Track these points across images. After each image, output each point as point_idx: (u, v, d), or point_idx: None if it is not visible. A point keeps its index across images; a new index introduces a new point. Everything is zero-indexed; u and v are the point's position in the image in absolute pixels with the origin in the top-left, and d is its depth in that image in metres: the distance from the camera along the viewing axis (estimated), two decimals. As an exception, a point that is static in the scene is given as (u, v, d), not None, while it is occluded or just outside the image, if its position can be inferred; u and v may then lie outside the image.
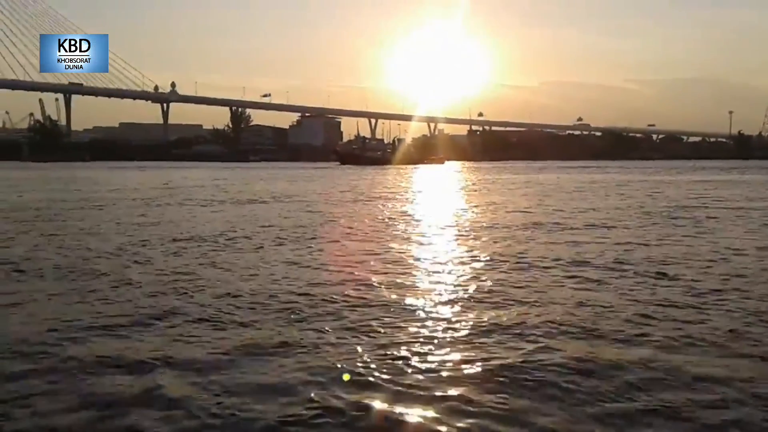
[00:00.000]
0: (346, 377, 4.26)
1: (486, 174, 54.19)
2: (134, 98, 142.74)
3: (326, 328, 5.43)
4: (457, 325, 5.56)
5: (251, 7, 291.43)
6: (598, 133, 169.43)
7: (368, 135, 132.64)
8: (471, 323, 5.60)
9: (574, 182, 36.22)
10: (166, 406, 3.85)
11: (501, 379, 4.24)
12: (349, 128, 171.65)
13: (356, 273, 8.00)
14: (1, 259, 9.04)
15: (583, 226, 13.37)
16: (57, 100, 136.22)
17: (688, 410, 3.77)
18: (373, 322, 5.64)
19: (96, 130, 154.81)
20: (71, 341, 5.08)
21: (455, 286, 7.29)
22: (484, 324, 5.55)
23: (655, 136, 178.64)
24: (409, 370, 4.41)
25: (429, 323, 5.65)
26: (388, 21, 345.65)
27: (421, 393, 4.02)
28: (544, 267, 8.40)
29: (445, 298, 6.68)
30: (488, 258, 9.19)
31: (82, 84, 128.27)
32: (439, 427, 3.59)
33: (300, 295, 6.74)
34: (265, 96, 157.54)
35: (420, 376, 4.30)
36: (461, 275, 7.93)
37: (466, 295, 6.74)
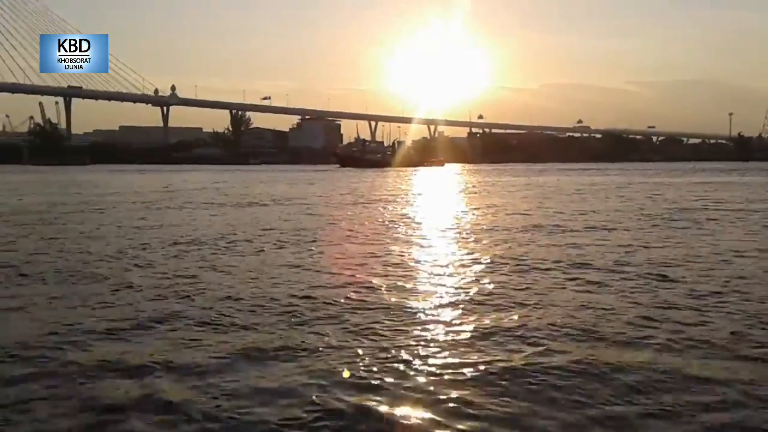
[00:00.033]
0: (347, 380, 4.26)
1: (486, 176, 54.22)
2: (134, 101, 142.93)
3: (327, 331, 5.42)
4: (457, 328, 5.55)
5: (251, 10, 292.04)
6: (598, 135, 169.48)
7: (368, 137, 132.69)
8: (472, 326, 5.59)
9: (574, 184, 36.22)
10: (167, 409, 3.84)
11: (502, 381, 4.23)
12: (349, 131, 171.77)
13: (357, 276, 7.99)
14: (1, 262, 9.03)
15: (584, 229, 13.36)
16: (57, 103, 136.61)
17: (690, 413, 3.77)
18: (374, 324, 5.63)
19: (96, 133, 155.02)
20: (72, 345, 5.08)
21: (456, 288, 7.28)
22: (484, 327, 5.55)
23: (655, 138, 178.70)
24: (410, 373, 4.41)
25: (430, 326, 5.64)
26: (388, 23, 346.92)
27: (422, 396, 4.01)
28: (545, 269, 8.39)
29: (445, 300, 6.67)
30: (489, 260, 9.18)
31: (81, 87, 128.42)
32: (440, 430, 3.58)
33: (301, 298, 6.73)
34: (265, 99, 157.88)
35: (421, 379, 4.30)
36: (462, 278, 7.93)
37: (466, 298, 6.73)
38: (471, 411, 3.79)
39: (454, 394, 4.03)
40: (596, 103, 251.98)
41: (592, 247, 10.44)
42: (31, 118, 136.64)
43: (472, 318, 5.87)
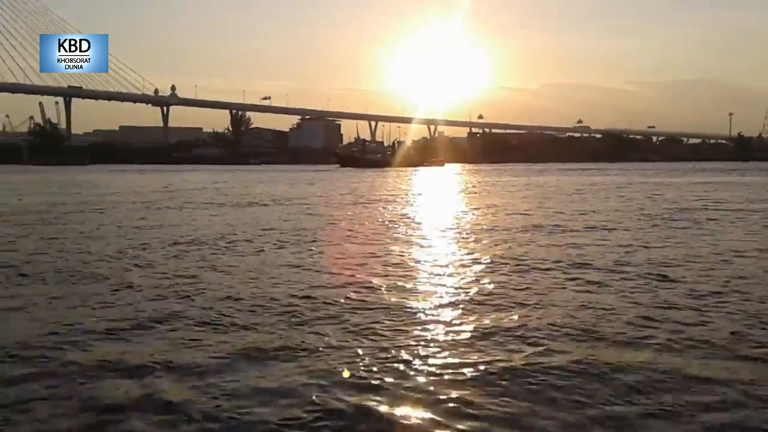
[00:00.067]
0: (347, 380, 4.26)
1: (486, 176, 54.22)
2: (134, 101, 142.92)
3: (327, 331, 5.42)
4: (457, 328, 5.56)
5: (251, 10, 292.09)
6: (598, 135, 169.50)
7: (368, 137, 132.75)
8: (472, 326, 5.59)
9: (574, 184, 36.23)
10: (167, 409, 3.84)
11: (502, 381, 4.23)
12: (349, 131, 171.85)
13: (357, 276, 7.99)
14: (1, 262, 9.04)
15: (584, 229, 13.36)
16: (57, 103, 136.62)
17: (690, 413, 3.77)
18: (374, 324, 5.63)
19: (96, 133, 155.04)
20: (72, 345, 5.08)
21: (456, 288, 7.28)
22: (484, 327, 5.55)
23: (655, 138, 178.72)
24: (410, 373, 4.41)
25: (430, 326, 5.64)
26: (388, 23, 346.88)
27: (422, 396, 4.01)
28: (545, 269, 8.39)
29: (445, 300, 6.67)
30: (489, 260, 9.18)
31: (81, 87, 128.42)
32: (440, 430, 3.58)
33: (301, 298, 6.73)
34: (265, 99, 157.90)
35: (421, 379, 4.30)
36: (462, 278, 7.93)
37: (466, 298, 6.73)
38: (471, 411, 3.79)
39: (454, 394, 4.03)
40: (596, 103, 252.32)
41: (592, 247, 10.44)
42: (31, 118, 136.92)
43: (472, 318, 5.87)
